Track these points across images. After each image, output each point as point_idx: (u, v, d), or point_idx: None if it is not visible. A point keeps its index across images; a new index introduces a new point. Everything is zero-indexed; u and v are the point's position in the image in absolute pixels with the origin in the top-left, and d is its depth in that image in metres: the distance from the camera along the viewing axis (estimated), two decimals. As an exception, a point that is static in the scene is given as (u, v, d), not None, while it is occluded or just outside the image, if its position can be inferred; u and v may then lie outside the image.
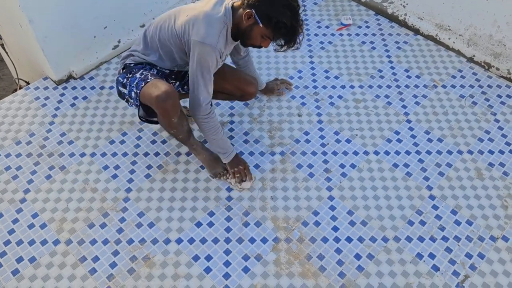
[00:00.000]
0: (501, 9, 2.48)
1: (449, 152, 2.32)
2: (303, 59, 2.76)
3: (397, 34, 2.92)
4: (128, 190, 2.16)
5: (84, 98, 2.54)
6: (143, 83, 1.90)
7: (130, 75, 1.97)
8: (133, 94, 1.95)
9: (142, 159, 2.27)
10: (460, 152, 2.32)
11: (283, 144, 2.35)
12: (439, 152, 2.32)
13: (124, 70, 2.01)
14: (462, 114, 2.49)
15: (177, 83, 2.15)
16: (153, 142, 2.34)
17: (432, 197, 2.15)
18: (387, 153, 2.32)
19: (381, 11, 3.02)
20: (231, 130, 2.40)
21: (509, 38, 2.55)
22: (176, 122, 1.97)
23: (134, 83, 1.93)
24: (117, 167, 2.25)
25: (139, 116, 2.05)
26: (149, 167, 2.25)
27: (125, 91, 1.99)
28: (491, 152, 2.32)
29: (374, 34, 2.92)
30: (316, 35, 2.91)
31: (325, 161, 2.28)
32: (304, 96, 2.56)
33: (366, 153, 2.32)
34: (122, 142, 2.35)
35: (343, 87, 2.61)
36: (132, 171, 2.23)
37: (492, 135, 2.39)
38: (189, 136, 2.13)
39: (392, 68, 2.71)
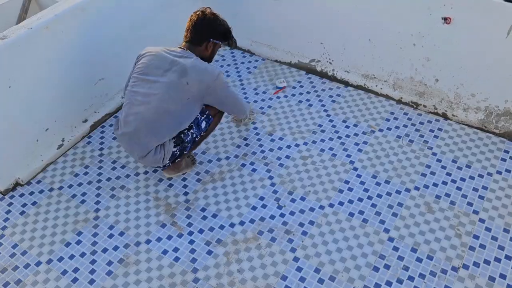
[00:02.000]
0: (415, 54, 2.74)
1: (398, 192, 2.44)
2: (246, 126, 2.87)
3: (329, 89, 3.11)
4: (91, 292, 2.09)
5: (34, 203, 2.49)
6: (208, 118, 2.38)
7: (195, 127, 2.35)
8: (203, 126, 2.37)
9: (101, 256, 2.22)
10: (407, 190, 2.45)
11: (241, 213, 2.38)
12: (388, 194, 2.43)
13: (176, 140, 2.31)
14: (402, 153, 2.64)
15: None
16: (111, 236, 2.31)
17: (391, 239, 2.23)
18: (341, 203, 2.40)
19: (311, 70, 3.23)
20: (188, 208, 2.41)
21: (427, 78, 2.79)
22: None
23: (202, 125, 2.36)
24: (76, 270, 2.18)
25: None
26: (109, 263, 2.19)
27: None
28: (435, 185, 2.46)
29: (308, 92, 3.10)
30: (255, 101, 3.05)
31: (284, 223, 2.33)
32: (253, 162, 2.64)
33: (321, 207, 2.39)
34: (79, 242, 2.29)
35: (288, 147, 2.72)
36: (92, 271, 2.17)
37: (433, 168, 2.55)
38: None
39: (331, 121, 2.87)
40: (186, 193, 2.50)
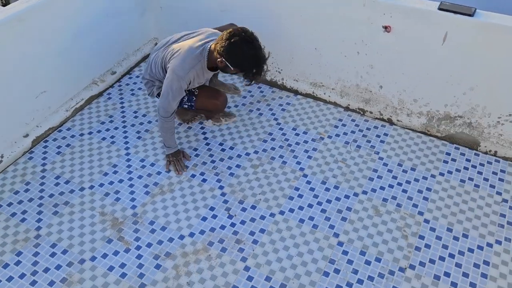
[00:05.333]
0: (359, 62, 2.81)
1: (347, 197, 2.47)
2: (197, 136, 2.84)
3: (279, 98, 3.14)
4: (30, 315, 1.97)
5: (-31, 224, 2.34)
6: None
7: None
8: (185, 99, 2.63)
9: (42, 277, 2.11)
10: (356, 194, 2.49)
11: (191, 225, 2.33)
12: (337, 199, 2.46)
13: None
14: (350, 158, 2.69)
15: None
16: (53, 254, 2.20)
17: (340, 244, 2.25)
18: (291, 210, 2.40)
19: (261, 80, 3.25)
20: (135, 222, 2.34)
21: (372, 85, 2.87)
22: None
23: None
24: (14, 293, 2.05)
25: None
26: (51, 283, 2.09)
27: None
28: (382, 188, 2.52)
29: (258, 101, 3.11)
30: (205, 111, 3.02)
31: (235, 232, 2.30)
32: (203, 173, 2.61)
33: (272, 215, 2.38)
34: (18, 262, 2.17)
35: (239, 156, 2.71)
36: (32, 293, 2.05)
37: (380, 172, 2.61)
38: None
39: (281, 129, 2.89)
40: (133, 207, 2.42)
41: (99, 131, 2.87)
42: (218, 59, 2.34)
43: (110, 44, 3.15)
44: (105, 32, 3.04)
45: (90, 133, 2.87)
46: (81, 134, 2.86)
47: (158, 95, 2.65)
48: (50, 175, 2.59)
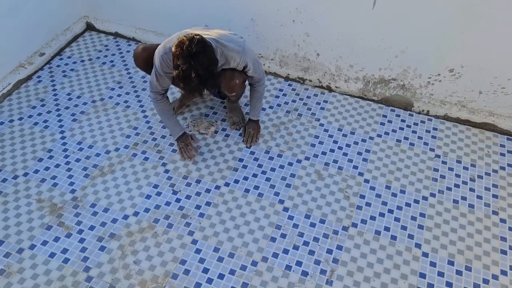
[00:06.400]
0: (296, 31, 2.82)
1: (290, 164, 2.51)
2: (136, 115, 2.76)
3: (219, 71, 3.10)
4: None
5: None
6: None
7: None
8: None
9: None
10: (299, 161, 2.53)
11: (135, 204, 2.28)
12: (281, 167, 2.49)
13: None
14: (292, 127, 2.72)
15: None
16: (-12, 247, 2.08)
17: (285, 209, 2.29)
18: (236, 181, 2.41)
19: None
20: (76, 206, 2.26)
21: (310, 53, 2.90)
22: None
23: None
24: None
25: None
26: (-13, 276, 1.98)
27: None
28: (324, 153, 2.57)
29: (198, 76, 3.05)
30: (143, 89, 2.93)
31: (181, 208, 2.28)
32: (145, 151, 2.55)
33: (217, 187, 2.38)
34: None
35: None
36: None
37: (321, 138, 2.66)
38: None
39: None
40: (73, 191, 2.33)
41: (30, 116, 2.72)
42: None
43: (36, 24, 2.97)
44: (29, 11, 2.86)
45: (20, 118, 2.71)
46: (11, 121, 2.69)
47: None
48: (-22, 165, 2.44)
